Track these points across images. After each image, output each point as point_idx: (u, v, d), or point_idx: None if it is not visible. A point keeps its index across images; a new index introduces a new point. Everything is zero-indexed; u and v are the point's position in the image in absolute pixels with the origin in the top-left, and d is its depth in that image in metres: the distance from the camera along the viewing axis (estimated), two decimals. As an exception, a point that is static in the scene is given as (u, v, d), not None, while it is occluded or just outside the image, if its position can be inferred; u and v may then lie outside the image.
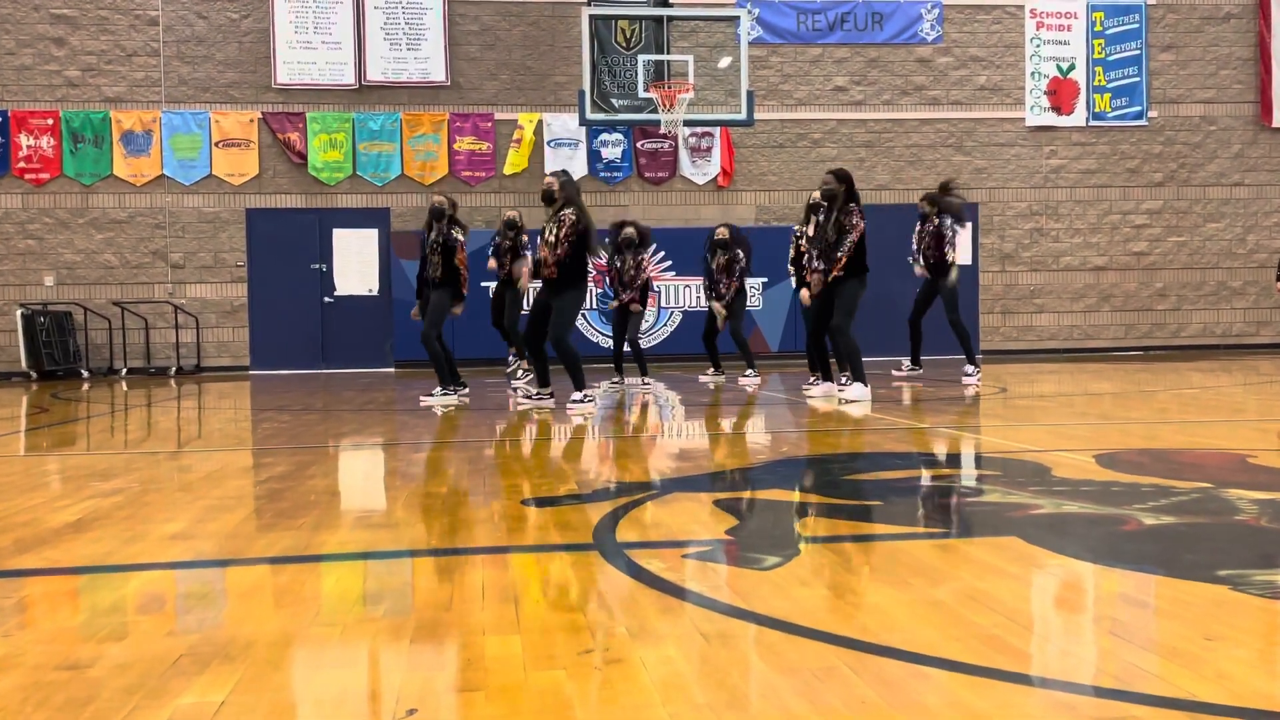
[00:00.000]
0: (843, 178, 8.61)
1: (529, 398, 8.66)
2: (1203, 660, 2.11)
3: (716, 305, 11.01)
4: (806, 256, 9.22)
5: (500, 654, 2.24)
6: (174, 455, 6.11)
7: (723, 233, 11.05)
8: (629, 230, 10.87)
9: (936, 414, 7.61)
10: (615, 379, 11.11)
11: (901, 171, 16.90)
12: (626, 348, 11.25)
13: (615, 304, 11.03)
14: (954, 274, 10.38)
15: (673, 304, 15.97)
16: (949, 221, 10.36)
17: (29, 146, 15.49)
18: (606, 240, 10.55)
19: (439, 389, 9.16)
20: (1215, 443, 5.63)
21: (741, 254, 11.01)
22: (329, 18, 15.89)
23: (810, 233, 9.16)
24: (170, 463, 5.70)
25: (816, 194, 9.46)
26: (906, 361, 11.11)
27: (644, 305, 11.12)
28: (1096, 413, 7.53)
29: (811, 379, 9.67)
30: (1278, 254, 15.66)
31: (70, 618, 2.63)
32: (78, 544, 3.44)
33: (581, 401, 8.05)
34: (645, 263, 10.97)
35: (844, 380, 8.84)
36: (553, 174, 8.55)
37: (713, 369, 11.62)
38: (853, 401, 8.30)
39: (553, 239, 8.19)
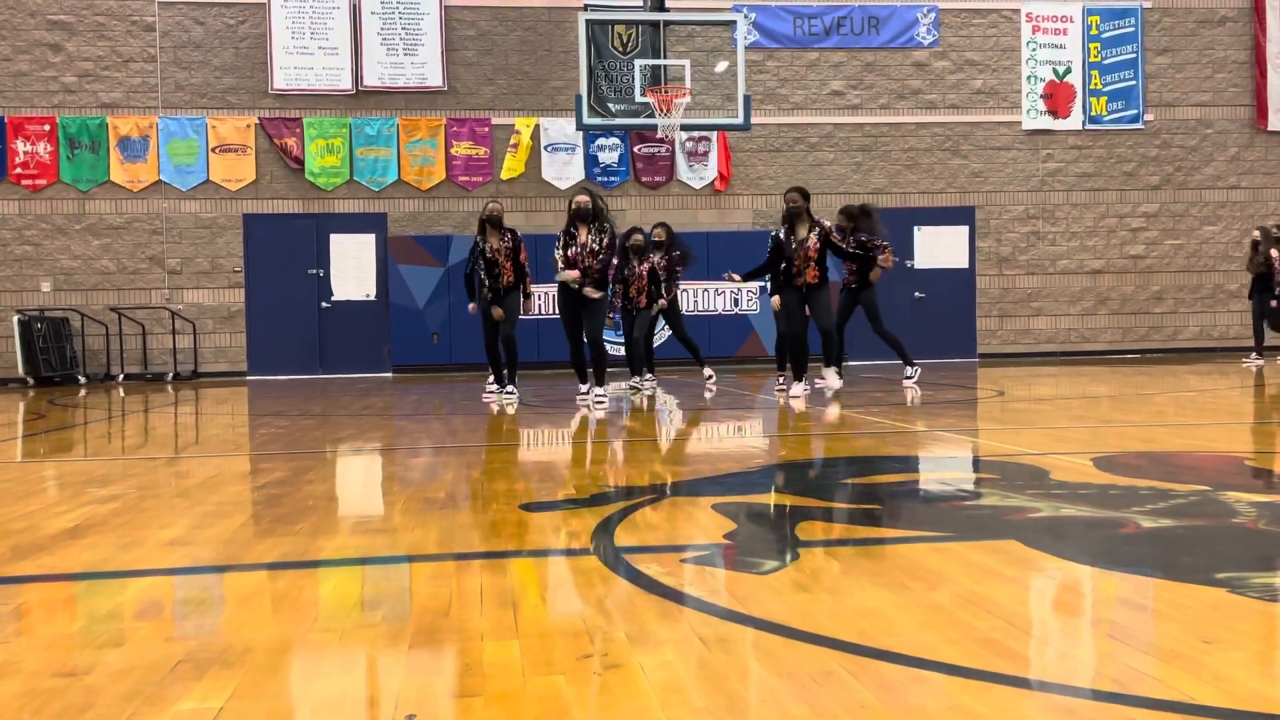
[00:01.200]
0: (806, 195, 9.54)
1: (601, 401, 9.02)
2: (1201, 663, 2.11)
3: (661, 301, 10.89)
4: (795, 263, 9.29)
5: (499, 659, 2.24)
6: (171, 461, 6.10)
7: (659, 233, 10.98)
8: (637, 237, 10.89)
9: (934, 417, 7.62)
10: (634, 381, 11.05)
11: (898, 175, 16.91)
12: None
13: (655, 303, 10.99)
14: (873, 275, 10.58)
15: (670, 308, 15.96)
16: (865, 237, 10.34)
17: (26, 152, 15.48)
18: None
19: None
20: (1213, 445, 5.63)
21: (680, 255, 10.93)
22: (326, 23, 15.90)
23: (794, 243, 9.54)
24: (167, 469, 5.69)
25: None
26: (906, 369, 11.01)
27: (653, 303, 11.01)
28: (1094, 416, 7.53)
29: (780, 379, 10.57)
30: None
31: (67, 624, 2.62)
32: (75, 550, 3.44)
33: (604, 396, 9.10)
34: (648, 262, 10.87)
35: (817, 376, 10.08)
36: (586, 191, 9.44)
37: (644, 375, 11.07)
38: (832, 386, 9.80)
39: (598, 248, 9.12)
